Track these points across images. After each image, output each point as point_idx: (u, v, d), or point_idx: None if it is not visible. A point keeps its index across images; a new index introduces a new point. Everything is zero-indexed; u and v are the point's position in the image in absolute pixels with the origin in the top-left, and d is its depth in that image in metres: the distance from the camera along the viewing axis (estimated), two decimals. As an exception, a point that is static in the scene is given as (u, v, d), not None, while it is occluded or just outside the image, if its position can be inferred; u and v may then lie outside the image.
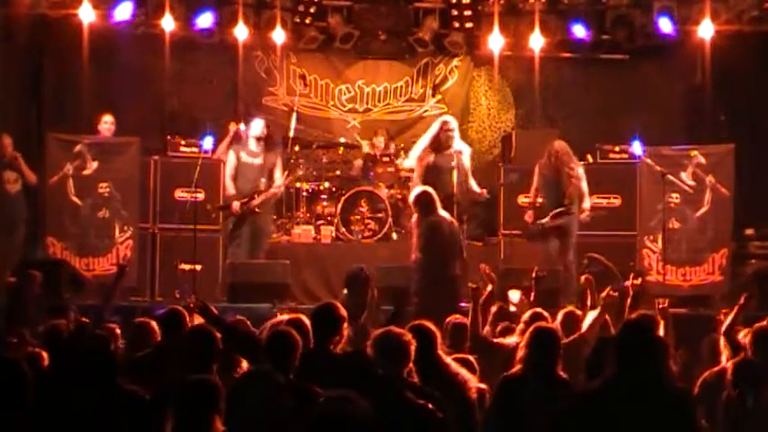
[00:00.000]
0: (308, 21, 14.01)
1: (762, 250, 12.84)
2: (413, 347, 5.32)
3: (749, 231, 12.94)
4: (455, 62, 14.94)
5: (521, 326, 7.17)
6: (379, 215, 12.71)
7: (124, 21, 13.10)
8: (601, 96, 14.65)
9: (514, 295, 9.24)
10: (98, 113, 12.58)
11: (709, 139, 13.07)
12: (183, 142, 12.64)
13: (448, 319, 7.35)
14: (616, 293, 7.55)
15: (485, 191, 11.65)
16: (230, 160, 12.07)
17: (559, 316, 7.62)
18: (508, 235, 12.45)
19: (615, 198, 12.55)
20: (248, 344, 6.14)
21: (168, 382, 5.11)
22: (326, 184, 13.30)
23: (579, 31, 13.76)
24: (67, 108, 13.49)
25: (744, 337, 6.40)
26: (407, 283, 9.78)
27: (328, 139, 14.22)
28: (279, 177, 12.16)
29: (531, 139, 14.04)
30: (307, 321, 6.13)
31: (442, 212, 9.97)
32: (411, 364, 5.34)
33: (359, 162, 13.55)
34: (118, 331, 7.48)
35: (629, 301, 7.70)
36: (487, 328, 7.75)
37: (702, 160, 12.24)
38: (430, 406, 4.99)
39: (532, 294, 8.61)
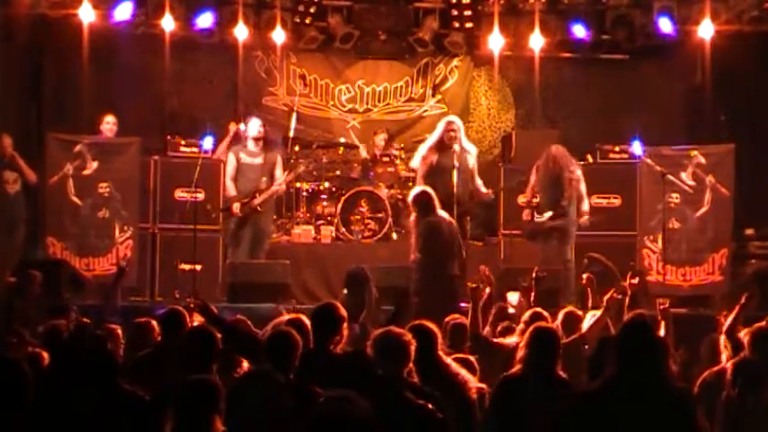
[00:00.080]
0: (308, 21, 14.01)
1: (762, 250, 12.84)
2: (413, 347, 5.32)
3: (749, 231, 12.94)
4: (455, 62, 14.95)
5: (521, 326, 7.18)
6: (379, 215, 12.72)
7: (124, 21, 13.10)
8: (601, 96, 14.65)
9: (513, 297, 9.23)
10: (100, 114, 12.59)
11: (709, 139, 13.07)
12: (183, 142, 12.64)
13: (447, 319, 7.34)
14: (620, 296, 7.56)
15: (491, 191, 11.67)
16: (230, 161, 12.06)
17: (560, 316, 7.63)
18: (508, 235, 12.45)
19: (615, 198, 12.55)
20: (248, 344, 6.14)
21: (168, 382, 5.11)
22: (326, 184, 13.30)
23: (579, 31, 13.76)
24: (67, 108, 13.48)
25: (744, 337, 6.39)
26: (407, 283, 9.79)
27: (328, 139, 14.22)
28: (280, 176, 12.16)
29: (531, 139, 14.04)
30: (307, 321, 6.14)
31: (441, 212, 9.97)
32: (411, 364, 5.34)
33: (358, 165, 13.55)
34: (119, 332, 7.48)
35: (627, 300, 7.70)
36: (487, 328, 7.75)
37: (702, 160, 12.24)
38: (430, 406, 4.99)
39: (532, 295, 8.61)
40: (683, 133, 13.74)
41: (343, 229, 12.69)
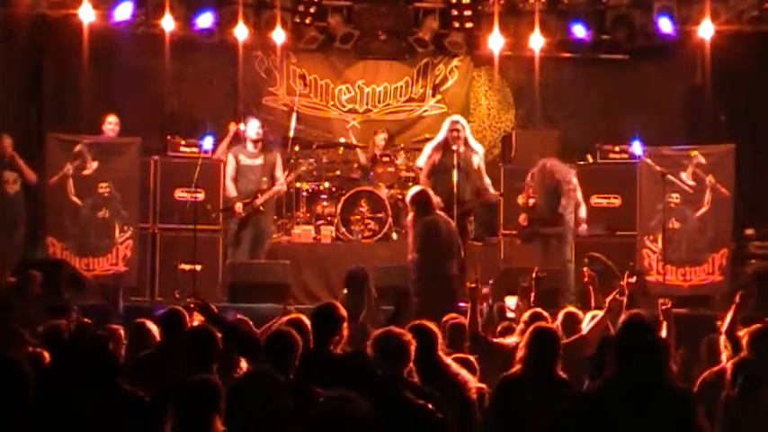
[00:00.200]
0: (308, 21, 14.01)
1: (762, 250, 12.85)
2: (413, 347, 5.32)
3: (749, 231, 12.94)
4: (455, 62, 14.95)
5: (520, 326, 7.17)
6: (379, 215, 12.71)
7: (124, 21, 13.11)
8: (601, 96, 14.65)
9: (511, 301, 9.22)
10: (102, 114, 12.58)
11: (709, 139, 13.07)
12: (183, 142, 12.64)
13: (446, 319, 7.33)
14: (623, 297, 7.56)
15: (498, 193, 11.68)
16: (230, 162, 12.06)
17: (559, 316, 7.63)
18: (508, 235, 12.45)
19: (615, 198, 12.55)
20: (248, 343, 6.14)
21: (168, 383, 5.11)
22: (326, 184, 13.30)
23: (579, 31, 13.76)
24: (67, 108, 13.49)
25: (743, 337, 6.39)
26: (407, 283, 9.78)
27: (328, 139, 14.22)
28: (280, 176, 12.16)
29: (531, 139, 14.07)
30: (307, 321, 6.14)
31: (439, 212, 9.97)
32: (411, 364, 5.34)
33: (357, 165, 13.54)
34: (122, 332, 7.47)
35: (625, 300, 7.70)
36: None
37: (702, 160, 12.24)
38: (430, 406, 4.99)
39: (532, 295, 8.61)
40: (683, 133, 13.74)
41: (343, 229, 12.69)
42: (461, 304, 8.53)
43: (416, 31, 14.36)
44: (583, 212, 11.83)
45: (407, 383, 5.20)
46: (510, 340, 7.17)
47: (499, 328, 7.86)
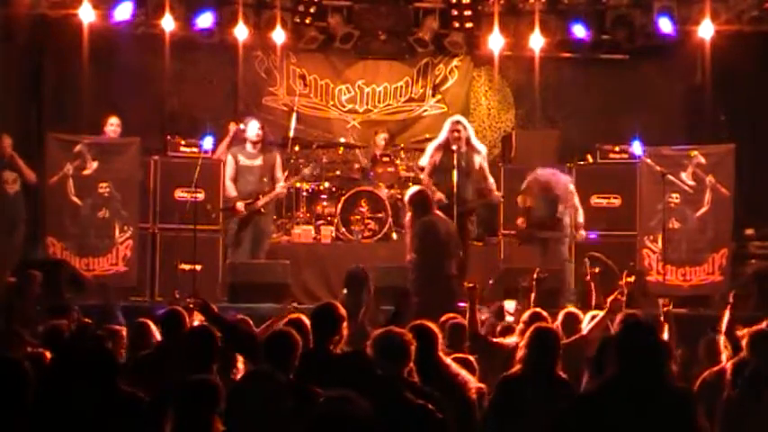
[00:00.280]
0: (308, 21, 14.00)
1: (762, 250, 12.85)
2: (413, 347, 5.32)
3: (749, 231, 12.94)
4: (455, 62, 14.95)
5: (520, 326, 7.18)
6: (379, 215, 12.71)
7: (124, 21, 13.10)
8: (601, 96, 14.65)
9: (510, 305, 9.23)
10: (103, 115, 12.58)
11: (709, 139, 13.07)
12: (183, 142, 12.65)
13: (446, 319, 7.32)
14: (624, 298, 7.56)
15: (500, 195, 11.69)
16: (229, 163, 12.02)
17: (560, 317, 7.63)
18: (508, 235, 12.45)
19: (615, 198, 12.55)
20: (248, 343, 6.14)
21: (168, 383, 5.11)
22: (326, 184, 13.29)
23: (579, 31, 13.76)
24: (67, 108, 13.48)
25: (743, 338, 6.38)
26: (407, 283, 9.78)
27: (328, 139, 14.22)
28: (280, 177, 12.16)
29: (531, 139, 14.07)
30: (307, 321, 6.14)
31: (438, 212, 9.97)
32: (411, 365, 5.34)
33: (358, 166, 13.54)
34: (124, 333, 7.47)
35: (624, 300, 7.71)
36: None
37: (702, 160, 12.24)
38: (429, 406, 4.99)
39: (532, 295, 8.61)
40: (683, 133, 13.74)
41: (343, 229, 12.69)
42: (461, 304, 8.52)
43: (416, 31, 14.36)
44: (581, 218, 11.83)
45: (407, 383, 5.20)
46: (510, 340, 7.17)
47: (499, 328, 7.86)
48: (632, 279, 8.19)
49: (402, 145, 14.06)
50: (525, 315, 7.35)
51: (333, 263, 12.09)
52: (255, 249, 11.99)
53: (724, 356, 6.63)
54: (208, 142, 12.15)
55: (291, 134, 13.13)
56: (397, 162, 13.40)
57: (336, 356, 5.80)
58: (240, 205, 11.85)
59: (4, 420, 4.56)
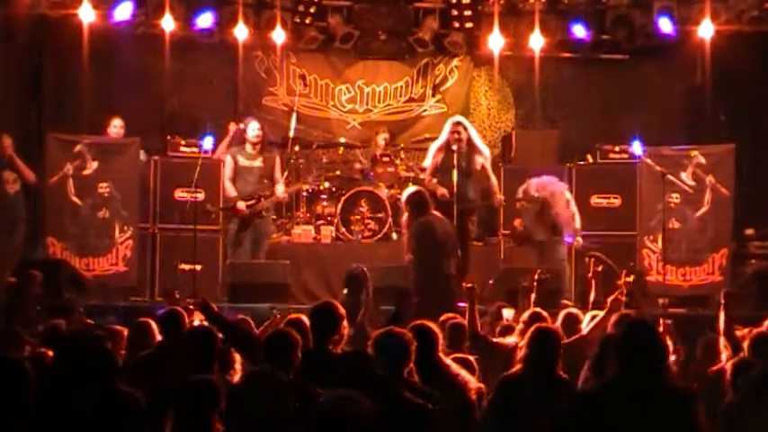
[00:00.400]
0: (308, 21, 14.00)
1: (762, 250, 12.85)
2: (413, 347, 5.32)
3: (749, 231, 12.94)
4: (455, 62, 14.94)
5: (520, 326, 7.18)
6: (379, 215, 12.71)
7: (124, 21, 13.10)
8: (601, 96, 14.64)
9: (509, 313, 9.23)
10: (107, 116, 12.58)
11: (709, 139, 13.07)
12: (183, 142, 12.64)
13: (446, 319, 7.32)
14: (624, 298, 7.56)
15: (502, 199, 11.69)
16: (228, 164, 12.01)
17: (560, 317, 7.63)
18: (508, 235, 12.45)
19: (615, 198, 12.55)
20: (249, 343, 6.14)
21: (168, 383, 5.11)
22: (326, 184, 13.29)
23: (579, 31, 13.76)
24: (67, 108, 13.48)
25: (744, 340, 6.38)
26: (407, 283, 9.78)
27: (328, 139, 14.22)
28: (279, 177, 12.17)
29: (531, 139, 14.07)
30: (306, 321, 6.14)
31: (435, 212, 9.97)
32: (411, 365, 5.34)
33: (359, 166, 13.54)
34: (125, 333, 7.47)
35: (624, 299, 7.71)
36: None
37: (702, 160, 12.24)
38: (429, 405, 4.99)
39: (533, 296, 8.61)
40: (683, 133, 13.74)
41: (343, 229, 12.69)
42: (460, 304, 8.52)
43: (416, 31, 14.36)
44: (577, 224, 11.83)
45: (407, 383, 5.20)
46: (509, 340, 7.17)
47: (499, 328, 7.86)
48: (631, 279, 8.19)
49: (402, 145, 14.07)
50: (525, 315, 7.35)
51: (333, 263, 12.08)
52: (255, 250, 11.99)
53: (724, 356, 6.62)
54: (208, 142, 12.14)
55: (291, 134, 13.12)
56: (397, 162, 13.40)
57: (336, 356, 5.80)
58: (241, 205, 11.85)
59: (4, 420, 4.55)
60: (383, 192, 12.89)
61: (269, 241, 12.29)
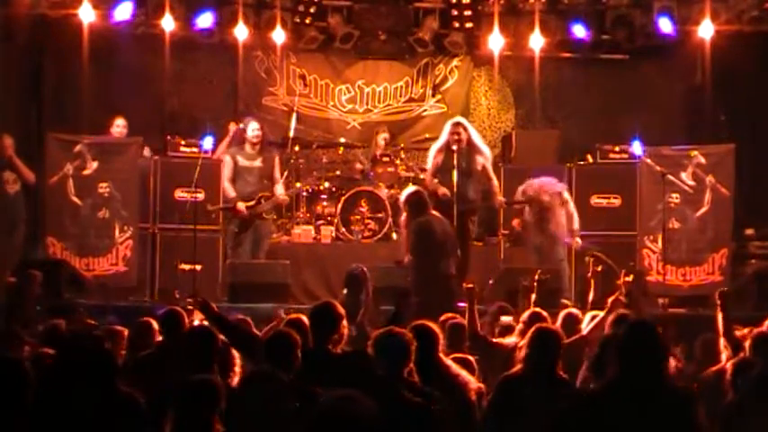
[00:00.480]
0: (308, 21, 14.00)
1: (762, 250, 12.85)
2: (413, 347, 5.32)
3: (749, 231, 12.94)
4: (455, 62, 14.94)
5: (520, 326, 7.18)
6: (379, 215, 12.71)
7: (124, 21, 13.10)
8: (601, 96, 14.65)
9: (507, 320, 9.25)
10: (110, 116, 12.58)
11: (709, 139, 13.07)
12: (183, 142, 12.64)
13: (445, 319, 7.32)
14: (624, 299, 7.57)
15: (503, 201, 11.70)
16: (227, 164, 11.99)
17: (560, 317, 7.63)
18: (507, 235, 12.45)
19: (615, 198, 12.55)
20: (249, 342, 6.14)
21: (168, 383, 5.11)
22: (326, 184, 13.29)
23: (579, 31, 13.76)
24: (67, 108, 13.48)
25: (745, 339, 6.37)
26: (407, 283, 9.78)
27: (328, 139, 14.22)
28: (278, 177, 12.17)
29: (531, 139, 14.07)
30: (306, 321, 6.13)
31: (434, 212, 9.97)
32: (411, 365, 5.34)
33: (359, 165, 13.54)
34: (125, 333, 7.47)
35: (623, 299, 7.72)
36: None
37: (702, 160, 12.24)
38: (429, 405, 4.99)
39: (533, 296, 8.61)
40: (683, 133, 13.74)
41: (343, 229, 12.69)
42: (460, 304, 8.53)
43: (416, 31, 14.36)
44: (576, 224, 11.83)
45: (406, 383, 5.20)
46: (509, 340, 7.17)
47: (498, 329, 7.86)
48: (630, 279, 8.20)
49: (402, 145, 14.06)
50: (525, 315, 7.36)
51: (333, 263, 12.08)
52: (255, 250, 11.99)
53: (724, 356, 6.61)
54: (208, 142, 12.14)
55: (291, 134, 13.12)
56: (397, 162, 13.40)
57: (336, 356, 5.80)
58: (241, 206, 11.84)
59: (4, 420, 4.55)
60: (383, 192, 12.89)
61: (269, 241, 12.29)
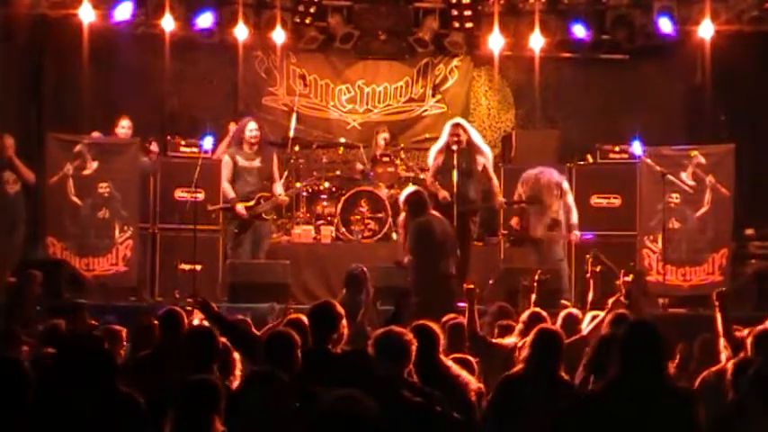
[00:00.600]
0: (308, 21, 14.00)
1: (762, 250, 12.85)
2: (414, 347, 5.31)
3: (749, 231, 12.94)
4: (455, 62, 14.94)
5: (519, 326, 7.18)
6: (379, 215, 12.71)
7: (124, 21, 13.10)
8: (601, 96, 14.65)
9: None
10: (110, 116, 12.58)
11: (709, 139, 13.07)
12: (183, 142, 12.63)
13: (446, 320, 7.33)
14: (624, 300, 7.57)
15: (504, 201, 11.70)
16: (226, 164, 11.98)
17: (560, 317, 7.63)
18: (507, 235, 12.46)
19: (615, 198, 12.55)
20: (249, 342, 6.14)
21: (168, 383, 5.11)
22: (326, 184, 13.29)
23: (579, 31, 13.76)
24: (67, 108, 13.48)
25: (746, 338, 6.36)
26: (407, 283, 9.79)
27: (328, 139, 14.22)
28: (277, 176, 12.17)
29: (531, 139, 14.07)
30: (305, 321, 6.13)
31: (434, 212, 9.97)
32: (411, 365, 5.33)
33: (359, 166, 13.54)
34: (123, 333, 7.47)
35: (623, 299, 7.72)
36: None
37: (702, 160, 12.24)
38: (428, 404, 4.99)
39: (533, 296, 8.62)
40: (683, 133, 13.74)
41: (343, 229, 12.69)
42: (460, 304, 8.54)
43: (416, 31, 14.36)
44: (574, 218, 11.83)
45: (406, 383, 5.20)
46: (508, 341, 7.17)
47: (497, 329, 7.86)
48: (630, 279, 8.20)
49: (402, 145, 14.06)
50: (525, 315, 7.35)
51: (333, 263, 12.08)
52: (255, 250, 11.99)
53: (723, 356, 6.61)
54: (208, 142, 12.14)
55: (291, 134, 13.13)
56: (397, 162, 13.40)
57: (336, 356, 5.79)
58: (241, 208, 11.83)
59: (4, 420, 4.55)
60: (383, 192, 12.89)
61: (269, 241, 12.29)
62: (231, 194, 11.91)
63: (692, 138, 13.28)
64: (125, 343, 7.46)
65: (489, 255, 12.44)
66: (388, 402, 4.65)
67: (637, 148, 12.51)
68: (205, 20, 13.37)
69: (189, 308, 7.38)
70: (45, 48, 13.63)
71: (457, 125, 11.40)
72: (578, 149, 13.41)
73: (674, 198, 12.15)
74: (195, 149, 12.33)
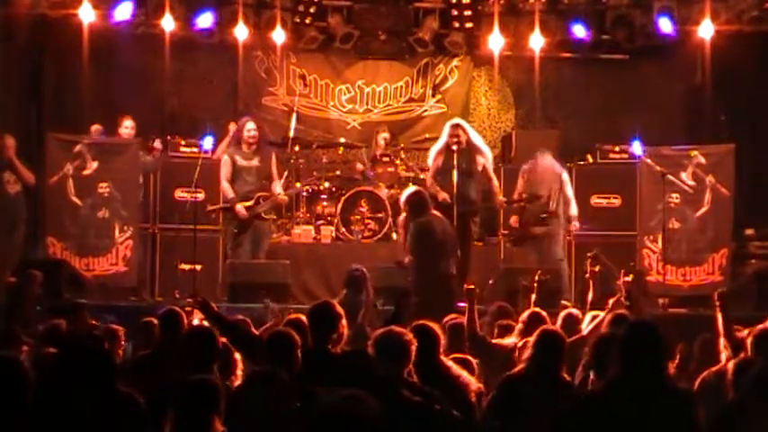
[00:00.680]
0: (308, 21, 14.00)
1: (762, 250, 12.85)
2: (414, 347, 5.31)
3: (749, 231, 12.95)
4: (455, 62, 14.94)
5: (519, 326, 7.17)
6: (379, 215, 12.71)
7: (124, 21, 13.10)
8: (601, 96, 14.65)
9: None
10: (111, 117, 12.57)
11: (709, 139, 13.07)
12: (183, 142, 12.63)
13: (446, 320, 7.33)
14: (627, 301, 7.57)
15: (504, 201, 11.71)
16: (226, 164, 11.96)
17: (560, 317, 7.63)
18: (508, 235, 12.46)
19: (615, 198, 12.56)
20: (249, 342, 6.14)
21: (168, 383, 5.11)
22: (326, 184, 13.29)
23: (579, 31, 13.76)
24: (67, 108, 13.48)
25: (746, 337, 6.36)
26: (407, 283, 9.79)
27: (328, 139, 14.22)
28: (276, 175, 12.18)
29: (531, 139, 14.05)
30: (305, 321, 6.13)
31: (435, 212, 9.97)
32: (411, 366, 5.33)
33: (360, 166, 13.54)
34: (122, 333, 7.47)
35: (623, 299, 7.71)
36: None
37: (702, 160, 12.24)
38: (428, 403, 4.99)
39: (533, 296, 8.61)
40: (683, 133, 13.74)
41: (343, 229, 12.69)
42: (460, 304, 8.54)
43: (416, 31, 14.36)
44: (574, 210, 11.85)
45: (406, 383, 5.20)
46: (508, 341, 7.17)
47: (497, 329, 7.86)
48: (630, 279, 8.20)
49: (402, 145, 14.06)
50: (525, 315, 7.35)
51: (333, 263, 12.08)
52: (255, 250, 11.99)
53: (723, 356, 6.60)
54: (208, 142, 12.14)
55: (291, 134, 13.13)
56: (397, 162, 13.40)
57: (336, 356, 5.79)
58: (240, 208, 11.82)
59: (4, 420, 4.55)
60: (383, 192, 12.89)
61: (269, 241, 12.29)
62: (231, 194, 11.91)
63: (692, 138, 13.29)
64: (125, 343, 7.46)
65: (489, 255, 12.45)
66: (389, 402, 4.66)
67: (637, 148, 12.52)
68: (205, 20, 13.37)
69: (189, 308, 7.38)
70: (45, 48, 13.64)
71: (456, 126, 11.40)
72: (578, 149, 13.41)
73: (674, 198, 12.15)
74: (195, 149, 12.33)
